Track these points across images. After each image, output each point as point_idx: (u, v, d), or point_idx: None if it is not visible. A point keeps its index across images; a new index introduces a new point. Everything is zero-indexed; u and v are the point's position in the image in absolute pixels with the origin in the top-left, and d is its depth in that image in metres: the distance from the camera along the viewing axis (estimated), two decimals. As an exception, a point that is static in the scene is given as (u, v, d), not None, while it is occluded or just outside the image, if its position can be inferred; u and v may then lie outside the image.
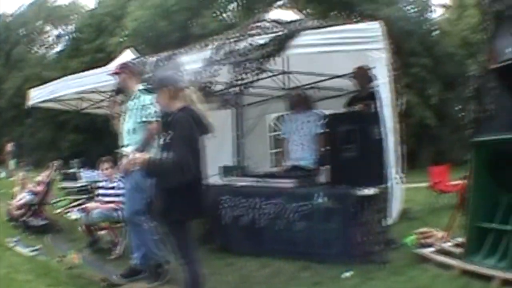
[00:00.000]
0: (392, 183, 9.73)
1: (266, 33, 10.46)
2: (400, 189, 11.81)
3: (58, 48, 60.58)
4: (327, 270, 9.05)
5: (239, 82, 10.67)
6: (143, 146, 8.56)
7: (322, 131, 11.50)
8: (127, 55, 13.31)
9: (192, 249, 6.61)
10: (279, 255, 9.83)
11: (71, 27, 59.40)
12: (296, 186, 10.25)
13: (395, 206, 11.37)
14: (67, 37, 58.76)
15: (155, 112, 8.67)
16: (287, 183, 10.37)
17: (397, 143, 10.47)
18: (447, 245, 9.54)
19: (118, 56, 14.18)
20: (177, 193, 6.25)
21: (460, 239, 9.35)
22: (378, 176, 9.67)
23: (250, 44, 10.08)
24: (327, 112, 11.64)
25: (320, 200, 9.59)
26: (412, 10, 42.86)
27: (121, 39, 39.17)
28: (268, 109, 14.84)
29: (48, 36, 63.54)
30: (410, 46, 37.49)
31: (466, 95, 9.20)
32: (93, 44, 47.25)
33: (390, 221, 9.78)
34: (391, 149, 9.75)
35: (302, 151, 11.89)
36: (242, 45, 10.13)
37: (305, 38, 10.03)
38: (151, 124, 8.80)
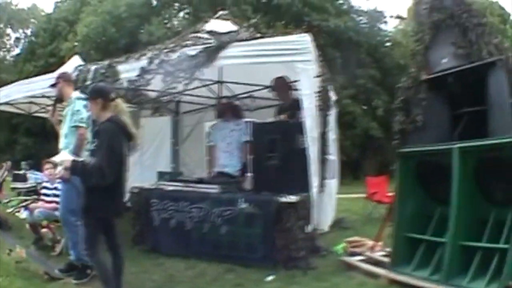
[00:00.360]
0: (314, 192, 10.12)
1: (198, 44, 10.72)
2: (332, 197, 13.50)
3: (16, 51, 60.50)
4: (251, 273, 9.31)
5: (170, 91, 10.95)
6: (76, 150, 8.79)
7: (248, 139, 11.73)
8: (75, 62, 13.32)
9: (98, 243, 7.25)
10: (205, 257, 10.10)
11: (28, 31, 59.45)
12: (220, 191, 10.46)
13: (327, 214, 12.81)
14: (24, 41, 58.70)
15: (87, 117, 9.06)
16: (212, 189, 10.60)
17: (326, 152, 11.12)
18: (377, 255, 9.72)
19: (67, 62, 14.29)
20: (98, 192, 6.94)
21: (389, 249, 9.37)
22: (301, 184, 9.94)
23: (181, 55, 10.34)
24: (253, 121, 11.90)
25: (243, 206, 9.83)
26: (363, 21, 43.36)
27: (74, 44, 39.12)
28: (205, 117, 14.99)
29: (8, 39, 63.57)
30: (358, 57, 38.33)
31: (394, 106, 9.39)
32: (47, 48, 46.98)
33: (311, 228, 9.99)
34: (313, 158, 10.01)
35: (228, 159, 12.21)
36: (174, 55, 10.38)
37: (235, 49, 10.31)
38: (81, 129, 9.12)
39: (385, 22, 45.04)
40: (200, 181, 11.52)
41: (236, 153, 12.18)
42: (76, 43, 38.53)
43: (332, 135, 13.31)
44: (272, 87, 11.99)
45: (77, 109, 9.19)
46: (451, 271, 7.74)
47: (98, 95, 7.32)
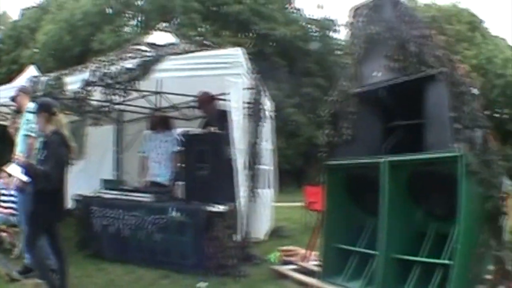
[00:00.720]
0: (241, 201, 9.46)
1: (137, 57, 10.24)
2: (267, 207, 13.10)
3: None
4: (184, 280, 8.76)
5: (109, 102, 10.55)
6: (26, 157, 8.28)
7: (178, 150, 11.28)
8: (31, 72, 12.64)
9: (38, 241, 7.14)
10: (142, 263, 9.55)
11: None
12: (153, 200, 9.90)
13: (263, 223, 12.39)
14: None
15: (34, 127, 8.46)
16: (145, 197, 10.01)
17: (257, 162, 10.34)
18: (310, 264, 9.04)
19: (23, 72, 13.35)
20: (43, 198, 6.96)
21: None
22: (229, 194, 9.42)
23: (119, 68, 9.73)
24: (185, 131, 11.19)
25: (174, 214, 9.30)
26: (313, 30, 41.63)
27: (33, 52, 37.15)
28: (146, 126, 13.59)
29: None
30: (305, 66, 36.64)
31: (323, 119, 8.58)
32: (10, 55, 43.68)
33: (239, 237, 9.35)
34: (240, 169, 9.37)
35: (159, 168, 11.66)
36: (113, 68, 9.80)
37: (170, 63, 9.74)
38: (30, 138, 8.67)
39: (336, 31, 42.29)
40: (136, 189, 10.83)
41: (166, 163, 11.64)
42: (35, 51, 36.69)
43: (268, 145, 13.06)
44: (197, 103, 11.57)
45: (28, 118, 8.76)
46: (385, 284, 7.02)
47: (43, 109, 7.36)
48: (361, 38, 7.98)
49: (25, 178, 7.54)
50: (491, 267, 6.58)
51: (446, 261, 6.42)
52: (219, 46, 30.01)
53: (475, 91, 7.05)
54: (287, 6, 41.24)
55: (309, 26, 41.83)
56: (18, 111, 9.54)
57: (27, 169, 7.17)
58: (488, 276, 6.60)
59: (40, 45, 35.76)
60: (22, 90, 9.67)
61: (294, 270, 8.98)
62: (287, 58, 36.78)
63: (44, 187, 6.92)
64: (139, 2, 37.48)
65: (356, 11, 8.17)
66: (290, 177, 31.60)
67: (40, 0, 44.80)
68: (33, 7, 44.66)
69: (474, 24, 46.58)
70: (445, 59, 6.84)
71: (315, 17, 41.88)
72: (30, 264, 8.51)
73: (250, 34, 37.77)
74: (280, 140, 32.40)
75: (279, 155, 30.25)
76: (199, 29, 36.57)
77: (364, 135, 7.96)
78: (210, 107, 10.91)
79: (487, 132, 6.92)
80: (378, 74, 7.69)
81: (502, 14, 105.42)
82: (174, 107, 13.72)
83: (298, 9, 42.25)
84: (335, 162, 8.17)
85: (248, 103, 10.17)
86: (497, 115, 44.40)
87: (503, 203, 6.65)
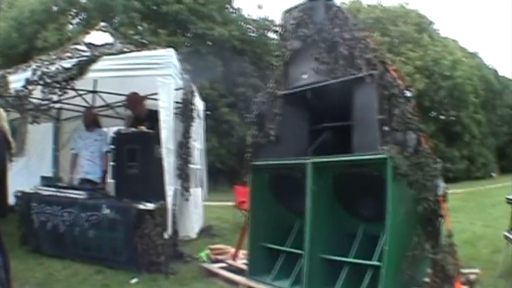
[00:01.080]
0: (169, 200, 8.78)
1: (75, 57, 9.49)
2: (198, 206, 12.44)
3: None
4: (117, 275, 8.12)
5: (48, 100, 9.56)
6: None
7: (108, 149, 10.63)
8: None
9: None
10: (78, 259, 8.81)
11: None
12: (86, 197, 9.23)
13: (193, 222, 11.68)
14: None
15: None
16: (79, 194, 9.30)
17: (187, 162, 10.01)
18: (239, 263, 8.49)
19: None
20: None
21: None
22: (158, 193, 8.71)
23: (58, 68, 9.07)
24: (116, 130, 10.69)
25: (106, 211, 8.63)
26: (251, 30, 40.30)
27: None
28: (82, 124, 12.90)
29: None
30: (240, 66, 35.29)
31: (249, 120, 8.09)
32: None
33: (168, 234, 8.72)
34: (169, 168, 8.78)
35: (91, 166, 10.87)
36: (53, 68, 9.11)
37: (104, 63, 9.00)
38: None
39: (276, 31, 39.11)
40: (71, 187, 10.13)
41: (97, 161, 10.89)
42: None
43: (198, 144, 12.49)
44: (126, 101, 10.84)
45: None
46: (312, 284, 6.46)
47: None
48: (290, 40, 7.41)
49: None
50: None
51: (376, 263, 5.93)
52: (156, 45, 29.21)
53: (408, 93, 6.48)
54: (226, 6, 39.72)
55: (247, 26, 40.55)
56: None
57: None
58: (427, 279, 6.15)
59: None
60: None
61: (223, 268, 8.40)
62: (223, 58, 35.33)
63: None
64: (83, 0, 35.80)
65: (287, 13, 7.60)
66: (223, 177, 31.21)
67: None
68: None
69: (422, 25, 46.06)
70: (376, 62, 6.23)
71: (253, 17, 40.88)
72: None
73: (188, 34, 36.85)
74: (214, 139, 31.73)
75: (212, 155, 29.84)
76: (138, 28, 35.29)
77: (291, 136, 7.44)
78: (138, 107, 10.35)
79: (419, 134, 6.38)
80: (306, 76, 7.13)
81: (456, 16, 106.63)
82: (108, 106, 13.17)
83: (237, 9, 40.92)
84: (260, 163, 7.65)
85: (179, 102, 9.78)
86: (443, 117, 44.26)
87: (438, 206, 6.15)
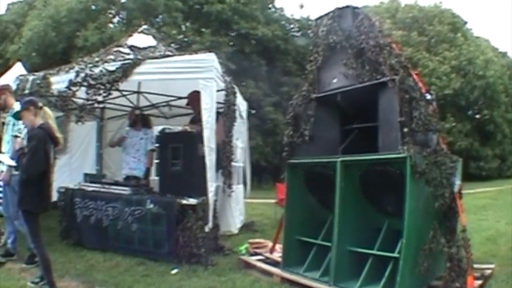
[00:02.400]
0: (210, 196, 9.30)
1: (117, 60, 10.18)
2: (240, 202, 12.98)
3: None
4: (158, 266, 8.78)
5: (92, 101, 10.56)
6: (13, 155, 8.37)
7: (153, 148, 11.63)
8: (17, 70, 12.41)
9: (40, 236, 7.06)
10: (120, 251, 9.55)
11: None
12: (131, 193, 9.88)
13: (235, 218, 12.42)
14: None
15: (23, 128, 8.59)
16: (123, 190, 10.01)
17: (230, 160, 10.65)
18: (275, 256, 9.00)
19: (12, 66, 13.11)
20: (28, 188, 6.92)
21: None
22: (200, 189, 9.24)
23: (102, 70, 9.63)
24: (163, 128, 11.10)
25: (150, 206, 9.28)
26: (293, 30, 40.68)
27: (19, 47, 34.85)
28: (126, 123, 13.61)
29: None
30: (284, 65, 35.82)
31: (285, 121, 8.61)
32: None
33: (208, 228, 9.21)
34: (210, 166, 9.26)
35: (136, 163, 11.74)
36: (96, 70, 9.68)
37: (147, 66, 9.64)
38: (18, 138, 8.66)
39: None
40: (115, 183, 10.77)
41: (142, 158, 11.80)
42: (21, 46, 34.57)
43: (241, 143, 12.94)
44: (188, 100, 11.23)
45: (16, 120, 8.68)
46: (339, 275, 6.99)
47: (30, 104, 7.27)
48: (321, 46, 7.93)
49: (13, 163, 7.89)
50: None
51: (397, 255, 6.38)
52: (200, 44, 29.48)
53: (428, 96, 7.03)
54: (269, 5, 40.07)
55: (289, 25, 40.95)
56: (2, 108, 9.51)
57: (19, 155, 7.28)
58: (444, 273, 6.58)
59: (25, 41, 33.90)
60: (7, 89, 9.51)
61: (260, 260, 8.94)
62: (266, 57, 35.96)
63: (24, 178, 6.98)
64: (122, 0, 35.94)
65: (319, 21, 8.14)
66: (268, 174, 31.27)
67: None
68: (19, 1, 42.04)
69: (456, 25, 45.61)
70: (399, 67, 6.77)
71: (296, 17, 41.11)
72: (10, 248, 8.98)
73: (231, 33, 37.06)
74: (258, 138, 32.11)
75: (257, 153, 30.13)
76: (180, 27, 36.02)
77: (323, 136, 7.94)
78: (198, 105, 10.46)
79: (438, 135, 6.91)
80: (336, 80, 7.65)
81: (487, 15, 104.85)
82: (153, 105, 13.63)
83: (279, 9, 41.21)
84: (295, 161, 8.17)
85: (221, 103, 10.21)
86: (477, 116, 44.08)
87: (454, 202, 6.67)
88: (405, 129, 6.38)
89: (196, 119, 10.44)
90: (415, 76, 7.05)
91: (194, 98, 10.55)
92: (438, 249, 6.45)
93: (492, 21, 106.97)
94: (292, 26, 40.74)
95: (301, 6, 56.81)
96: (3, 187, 9.20)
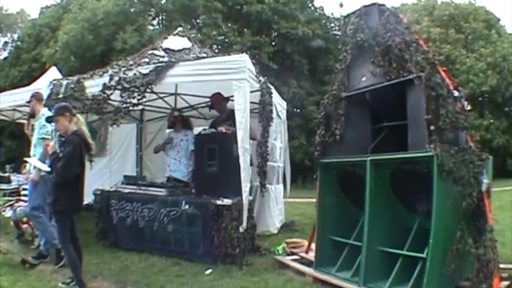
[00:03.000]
0: (244, 196, 9.18)
1: (151, 63, 10.32)
2: (279, 202, 13.15)
3: (4, 55, 51.97)
4: (193, 267, 8.95)
5: (127, 103, 10.46)
6: (42, 157, 8.79)
7: (194, 148, 11.37)
8: (52, 73, 12.79)
9: (69, 237, 7.31)
10: (156, 252, 9.76)
11: (15, 35, 52.17)
12: (166, 194, 10.03)
13: (274, 218, 12.54)
14: (11, 45, 51.25)
15: (51, 131, 9.03)
16: (159, 191, 10.17)
17: (266, 160, 10.66)
18: (310, 255, 8.94)
19: (47, 69, 13.33)
20: (62, 189, 7.19)
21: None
22: (235, 189, 9.24)
23: (135, 73, 9.74)
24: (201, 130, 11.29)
25: (185, 207, 9.43)
26: (334, 29, 40.23)
27: (55, 50, 35.20)
28: (166, 125, 13.75)
29: (-2, 43, 57.86)
30: (325, 64, 35.65)
31: (317, 121, 8.68)
32: (31, 54, 41.42)
33: (242, 228, 9.21)
34: (244, 166, 9.21)
35: (177, 165, 11.72)
36: (130, 73, 9.80)
37: (181, 68, 9.73)
38: (46, 140, 8.90)
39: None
40: (152, 184, 10.98)
41: (183, 160, 11.73)
42: (57, 49, 34.82)
43: (280, 143, 13.18)
44: (210, 102, 11.51)
45: (43, 124, 9.03)
46: (369, 275, 7.03)
47: (66, 110, 7.51)
48: (350, 45, 7.91)
49: (46, 168, 7.90)
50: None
51: (424, 255, 6.32)
52: (241, 45, 29.41)
53: (456, 93, 6.91)
54: (309, 5, 40.00)
55: (330, 24, 40.71)
56: (32, 115, 9.88)
57: (53, 159, 7.42)
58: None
59: (61, 44, 34.09)
60: (36, 97, 9.84)
61: (295, 260, 8.97)
62: (308, 56, 35.91)
63: (60, 180, 7.16)
64: (162, 2, 36.18)
65: (346, 19, 8.12)
66: (313, 174, 31.14)
67: None
68: (53, 5, 43.02)
69: (490, 22, 44.85)
70: (425, 64, 6.71)
71: (336, 16, 40.33)
72: (43, 250, 9.11)
73: (272, 33, 37.15)
74: (302, 137, 32.06)
75: (301, 152, 30.06)
76: (221, 28, 35.92)
77: (355, 135, 7.90)
78: (221, 106, 10.95)
79: (466, 132, 6.85)
80: (365, 78, 7.64)
81: None
82: (191, 107, 13.72)
83: (319, 8, 41.08)
84: (327, 160, 8.18)
85: (255, 103, 10.32)
86: None
87: (482, 201, 6.56)
88: (432, 127, 6.30)
89: (220, 120, 10.69)
90: (442, 73, 6.94)
91: (216, 99, 10.79)
92: (466, 249, 6.36)
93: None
94: (332, 24, 40.39)
95: (341, 5, 56.17)
96: (29, 188, 9.39)
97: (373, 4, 7.63)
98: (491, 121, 40.19)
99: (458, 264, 6.32)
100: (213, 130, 10.45)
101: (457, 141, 6.64)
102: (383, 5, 7.58)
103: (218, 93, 10.76)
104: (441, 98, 6.52)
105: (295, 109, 33.62)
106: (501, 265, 6.84)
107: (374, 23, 7.52)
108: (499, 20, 47.40)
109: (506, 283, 6.80)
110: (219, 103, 10.95)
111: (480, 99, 40.05)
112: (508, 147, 40.90)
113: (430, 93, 6.46)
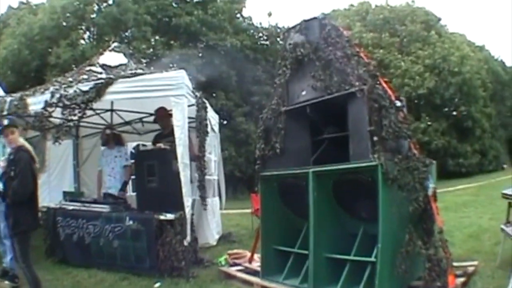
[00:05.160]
0: (187, 210, 9.28)
1: (90, 79, 10.15)
2: (216, 214, 13.11)
3: None
4: (141, 281, 8.84)
5: (67, 120, 10.33)
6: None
7: (128, 164, 11.58)
8: None
9: (29, 256, 7.20)
10: (104, 267, 9.57)
11: None
12: (110, 210, 9.93)
13: (212, 230, 12.43)
14: None
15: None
16: (103, 208, 10.05)
17: (204, 174, 10.50)
18: (254, 265, 9.01)
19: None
20: (20, 208, 7.04)
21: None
22: (177, 204, 9.26)
23: (76, 90, 9.57)
24: (137, 145, 11.44)
25: (129, 223, 9.35)
26: (262, 39, 40.05)
27: None
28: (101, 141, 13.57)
29: None
30: (253, 75, 35.11)
31: (256, 135, 8.69)
32: None
33: (187, 242, 9.22)
34: (185, 181, 9.23)
35: (112, 181, 11.57)
36: (71, 90, 9.62)
37: (119, 85, 9.60)
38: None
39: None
40: (95, 201, 10.77)
41: (118, 176, 11.61)
42: None
43: (214, 156, 13.25)
44: (154, 117, 11.39)
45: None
46: (318, 281, 7.03)
47: (15, 126, 7.45)
48: (289, 59, 7.88)
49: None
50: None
51: (374, 259, 6.38)
52: (169, 58, 29.03)
53: (398, 103, 6.95)
54: (237, 15, 39.53)
55: (259, 34, 40.33)
56: None
57: (5, 179, 7.22)
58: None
59: (0, 59, 33.03)
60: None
61: (240, 271, 8.95)
62: (236, 67, 35.06)
63: (15, 200, 7.01)
64: (92, 16, 34.99)
65: (286, 33, 8.14)
66: (242, 185, 30.93)
67: (0, 13, 41.13)
68: None
69: (429, 22, 45.13)
70: (367, 77, 6.73)
71: (264, 26, 40.40)
72: (7, 268, 8.79)
73: (200, 45, 36.43)
74: (231, 148, 31.88)
75: (231, 164, 29.98)
76: (150, 41, 35.52)
77: (295, 148, 7.90)
78: (165, 121, 10.76)
79: (409, 141, 6.89)
80: (305, 93, 7.62)
81: (462, 10, 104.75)
82: (126, 123, 13.54)
83: (247, 18, 40.69)
84: (268, 173, 8.18)
85: (192, 118, 10.21)
86: (454, 113, 43.87)
87: (429, 205, 6.65)
88: (375, 138, 6.34)
89: (163, 135, 10.60)
90: (384, 84, 6.98)
91: (161, 114, 10.67)
92: (416, 251, 6.43)
93: (467, 15, 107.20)
94: (260, 34, 40.16)
95: (269, 14, 56.32)
96: None
97: (314, 18, 7.61)
98: (429, 123, 40.51)
99: (408, 265, 6.39)
100: (152, 146, 10.44)
101: (401, 150, 6.69)
102: (324, 18, 7.55)
103: (163, 108, 10.65)
104: (383, 109, 6.56)
105: (223, 121, 33.49)
106: (455, 263, 7.00)
107: (315, 37, 7.50)
108: (439, 20, 47.84)
109: (462, 279, 6.91)
110: (163, 118, 10.82)
111: (416, 101, 40.36)
112: (448, 148, 41.24)
113: (373, 105, 6.48)
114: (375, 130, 6.38)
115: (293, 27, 7.90)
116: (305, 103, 7.56)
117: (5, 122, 8.16)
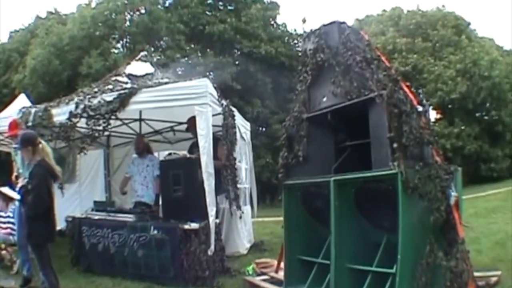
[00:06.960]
0: (211, 219, 9.20)
1: (115, 90, 10.10)
2: (247, 222, 12.77)
3: None
4: None
5: (93, 130, 10.18)
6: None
7: (159, 173, 11.07)
8: (21, 101, 12.30)
9: (49, 264, 7.16)
10: (128, 277, 9.37)
11: None
12: (135, 219, 9.71)
13: (243, 238, 12.15)
14: None
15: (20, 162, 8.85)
16: (129, 217, 9.84)
17: (233, 182, 10.50)
18: (281, 275, 8.59)
19: (14, 100, 12.84)
20: (35, 221, 7.00)
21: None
22: (202, 213, 9.14)
23: (100, 101, 9.62)
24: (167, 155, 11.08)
25: (154, 232, 9.14)
26: (297, 45, 38.91)
27: (24, 75, 33.69)
28: (132, 150, 13.54)
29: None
30: (289, 82, 35.21)
31: (279, 143, 8.32)
32: (1, 79, 38.24)
33: (211, 251, 9.13)
34: (209, 190, 9.12)
35: (145, 190, 11.51)
36: (95, 101, 9.70)
37: (143, 95, 9.61)
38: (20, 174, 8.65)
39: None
40: (121, 210, 10.62)
41: (150, 185, 11.47)
42: (25, 75, 33.41)
43: (245, 164, 12.97)
44: (187, 126, 11.19)
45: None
46: None
47: (28, 143, 7.29)
48: (310, 65, 7.64)
49: (17, 196, 7.90)
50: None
51: (393, 271, 6.08)
52: (204, 66, 28.95)
53: (420, 108, 6.62)
54: (271, 23, 39.38)
55: (294, 41, 39.87)
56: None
57: (23, 192, 7.24)
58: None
59: (29, 70, 32.91)
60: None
61: (265, 280, 8.75)
62: (271, 75, 35.02)
63: (34, 213, 6.98)
64: (125, 25, 35.20)
65: (306, 39, 7.92)
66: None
67: (28, 23, 41.28)
68: (21, 29, 41.04)
69: (460, 27, 44.19)
70: (387, 81, 6.45)
71: (298, 32, 39.52)
72: (28, 275, 8.80)
73: (235, 53, 36.64)
74: (268, 156, 31.69)
75: (267, 171, 29.68)
76: (184, 50, 35.47)
77: (318, 156, 7.64)
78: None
79: (431, 148, 6.55)
80: (326, 99, 7.39)
81: (491, 14, 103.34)
82: (156, 132, 13.53)
83: (282, 25, 40.44)
84: (291, 182, 7.90)
85: (218, 126, 10.24)
86: (486, 117, 43.12)
87: (450, 215, 6.33)
88: (395, 145, 6.06)
89: (197, 144, 10.24)
90: (405, 89, 6.70)
91: (193, 123, 10.37)
92: (437, 263, 6.10)
93: (495, 20, 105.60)
94: (295, 41, 39.58)
95: (304, 21, 55.88)
96: (15, 218, 9.32)
97: (333, 22, 7.39)
98: (462, 128, 39.77)
99: (429, 277, 6.05)
100: (177, 156, 10.29)
101: (422, 157, 6.37)
102: (343, 22, 7.33)
103: (195, 117, 10.32)
104: (404, 114, 6.27)
105: (260, 128, 33.35)
106: (479, 273, 6.80)
107: (334, 42, 7.25)
108: (469, 24, 46.86)
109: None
110: (195, 127, 10.45)
111: (449, 106, 39.78)
112: (481, 153, 40.34)
113: (393, 110, 6.21)
114: (394, 137, 6.09)
115: (312, 32, 7.67)
116: (327, 109, 7.29)
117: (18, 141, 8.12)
